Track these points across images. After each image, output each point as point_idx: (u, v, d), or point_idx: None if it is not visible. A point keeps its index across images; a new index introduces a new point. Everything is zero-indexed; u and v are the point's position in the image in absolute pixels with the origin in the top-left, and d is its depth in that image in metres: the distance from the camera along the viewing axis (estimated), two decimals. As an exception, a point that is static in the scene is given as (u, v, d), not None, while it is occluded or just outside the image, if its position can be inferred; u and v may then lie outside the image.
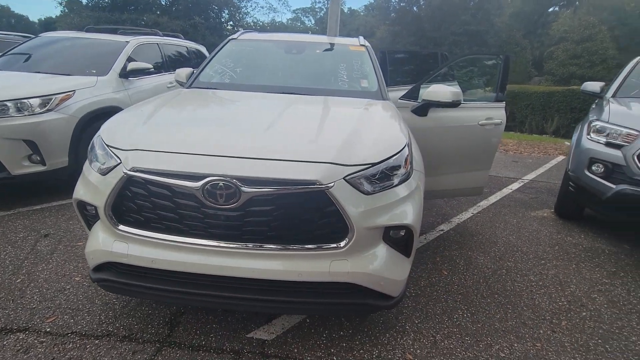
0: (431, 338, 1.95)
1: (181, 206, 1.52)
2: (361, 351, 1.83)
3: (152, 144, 1.60)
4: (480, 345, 1.92)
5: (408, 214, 1.68)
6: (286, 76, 2.90)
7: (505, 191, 4.64)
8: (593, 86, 4.04)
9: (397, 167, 1.70)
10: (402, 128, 1.97)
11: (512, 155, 6.91)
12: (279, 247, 1.54)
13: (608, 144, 3.02)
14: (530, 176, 5.39)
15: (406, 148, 1.80)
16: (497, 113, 3.08)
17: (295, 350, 1.82)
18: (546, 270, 2.71)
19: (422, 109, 2.84)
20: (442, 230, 3.34)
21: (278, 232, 1.53)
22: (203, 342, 1.84)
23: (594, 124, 3.22)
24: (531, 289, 2.46)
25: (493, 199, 4.31)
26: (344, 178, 1.52)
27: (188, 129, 1.78)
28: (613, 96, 3.78)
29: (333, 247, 1.55)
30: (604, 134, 3.08)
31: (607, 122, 3.10)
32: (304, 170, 1.49)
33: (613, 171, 2.96)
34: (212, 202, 1.47)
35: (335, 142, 1.66)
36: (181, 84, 2.89)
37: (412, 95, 2.90)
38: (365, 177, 1.58)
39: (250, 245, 1.54)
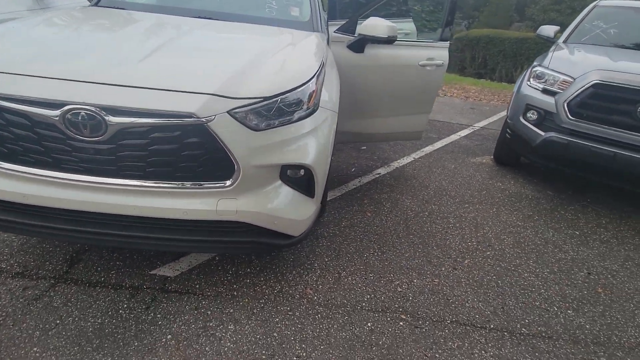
0: (336, 275, 2.01)
1: (45, 138, 1.37)
2: (263, 287, 1.87)
3: (8, 66, 1.39)
4: (382, 282, 2.01)
5: (306, 153, 1.61)
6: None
7: (453, 137, 4.67)
8: (547, 30, 3.93)
9: (298, 103, 1.60)
10: (313, 61, 1.82)
11: (471, 102, 6.89)
12: (160, 183, 1.45)
13: (544, 91, 3.00)
14: (482, 123, 5.43)
15: (311, 83, 1.67)
16: (440, 53, 2.94)
17: (197, 286, 1.83)
18: (467, 213, 2.81)
19: (358, 45, 2.65)
20: (378, 173, 3.35)
21: (158, 168, 1.43)
22: (102, 279, 1.82)
23: (535, 69, 3.16)
24: (447, 230, 2.56)
25: (439, 144, 4.33)
26: (227, 112, 1.40)
27: (58, 51, 1.56)
28: (565, 42, 3.70)
29: (219, 186, 1.48)
30: (543, 80, 3.04)
31: (547, 68, 3.05)
32: (180, 101, 1.36)
33: (545, 118, 2.98)
34: (76, 134, 1.33)
35: (226, 73, 1.51)
36: (90, 1, 2.54)
37: (348, 28, 2.68)
38: (255, 111, 1.47)
39: (129, 181, 1.44)
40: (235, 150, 1.42)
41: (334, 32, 2.66)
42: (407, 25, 4.11)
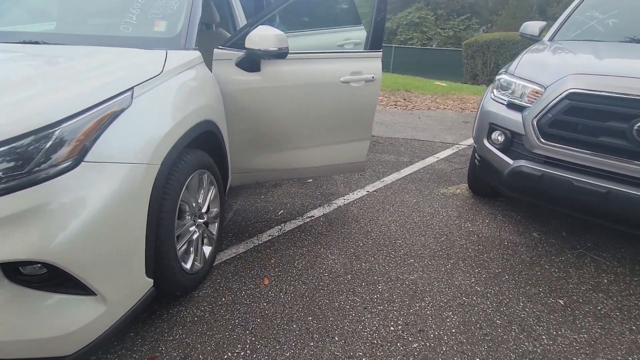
0: (163, 397, 1.38)
1: None
2: None
3: None
4: (227, 408, 1.35)
5: (43, 239, 1.03)
6: (62, 18, 2.12)
7: (430, 160, 3.94)
8: (532, 28, 3.17)
9: (29, 158, 1.03)
10: (98, 91, 1.27)
11: (466, 115, 6.09)
12: None
13: (510, 105, 2.27)
14: (470, 141, 4.65)
15: (67, 126, 1.11)
16: (369, 65, 2.32)
17: None
18: (407, 275, 2.10)
19: (249, 62, 2.08)
20: (311, 216, 2.70)
21: None
22: None
23: (499, 77, 2.44)
24: (367, 305, 1.86)
25: (408, 170, 3.62)
26: None
27: None
28: (551, 39, 2.95)
29: None
30: (508, 92, 2.31)
31: (513, 75, 2.32)
32: None
33: (512, 142, 2.24)
34: None
35: None
36: None
37: (237, 42, 2.12)
38: None
39: None
40: None
41: (217, 48, 2.10)
42: (357, 34, 3.51)
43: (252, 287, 1.96)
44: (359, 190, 3.15)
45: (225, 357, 1.54)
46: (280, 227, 2.54)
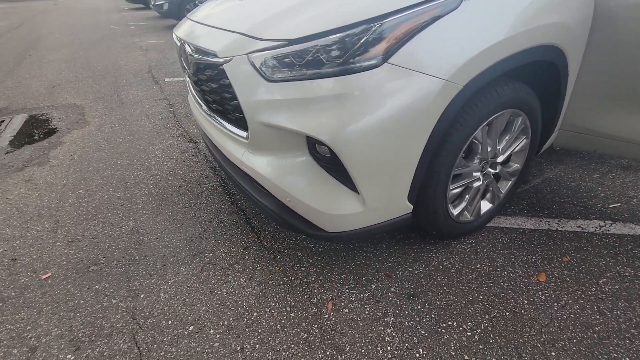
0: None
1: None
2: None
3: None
4: None
5: (323, 122, 1.15)
6: None
7: None
8: None
9: (344, 49, 1.12)
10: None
11: None
12: (228, 125, 1.50)
13: None
14: None
15: (379, 24, 1.10)
16: None
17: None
18: None
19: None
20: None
21: (219, 108, 1.52)
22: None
23: None
24: None
25: None
26: (247, 54, 1.23)
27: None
28: None
29: (242, 136, 1.39)
30: None
31: None
32: (217, 39, 1.34)
33: None
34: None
35: (274, 10, 1.28)
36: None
37: None
38: (278, 57, 1.18)
39: (219, 119, 1.56)
40: (243, 99, 1.26)
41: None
42: None
43: (520, 273, 1.53)
44: None
45: (448, 324, 1.34)
46: (602, 224, 1.76)
